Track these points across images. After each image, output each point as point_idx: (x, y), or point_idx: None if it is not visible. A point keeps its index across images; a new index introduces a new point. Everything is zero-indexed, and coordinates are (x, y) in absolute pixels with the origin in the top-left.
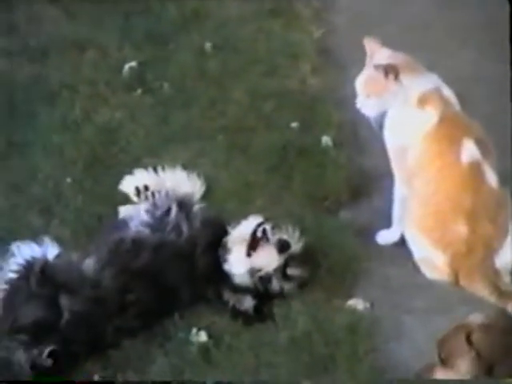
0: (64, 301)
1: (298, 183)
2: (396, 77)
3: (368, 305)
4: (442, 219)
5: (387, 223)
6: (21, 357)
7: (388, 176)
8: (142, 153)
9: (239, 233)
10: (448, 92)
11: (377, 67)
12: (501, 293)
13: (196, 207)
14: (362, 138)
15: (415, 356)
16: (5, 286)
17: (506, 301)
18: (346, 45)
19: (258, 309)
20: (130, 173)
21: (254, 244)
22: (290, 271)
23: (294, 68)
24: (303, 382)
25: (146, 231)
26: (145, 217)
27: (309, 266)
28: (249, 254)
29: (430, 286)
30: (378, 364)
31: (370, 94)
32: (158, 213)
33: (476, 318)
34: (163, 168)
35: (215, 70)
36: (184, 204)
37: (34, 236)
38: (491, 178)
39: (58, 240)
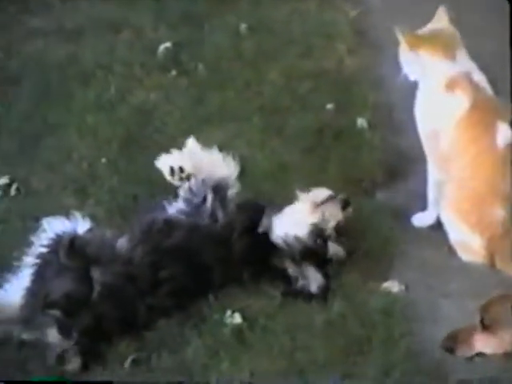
0: (95, 274)
1: (333, 165)
2: (412, 47)
3: (403, 287)
4: (478, 203)
5: (423, 205)
6: (53, 339)
7: (423, 158)
8: (176, 133)
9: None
10: (479, 76)
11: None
12: None
13: (231, 191)
14: (397, 119)
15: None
16: (36, 261)
17: None
18: (381, 25)
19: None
20: (167, 153)
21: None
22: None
23: (329, 49)
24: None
25: (182, 217)
26: (182, 205)
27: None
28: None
29: (465, 268)
30: (414, 347)
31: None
32: (195, 201)
33: None
34: (200, 148)
35: (250, 51)
36: (220, 189)
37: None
38: None
39: (93, 220)
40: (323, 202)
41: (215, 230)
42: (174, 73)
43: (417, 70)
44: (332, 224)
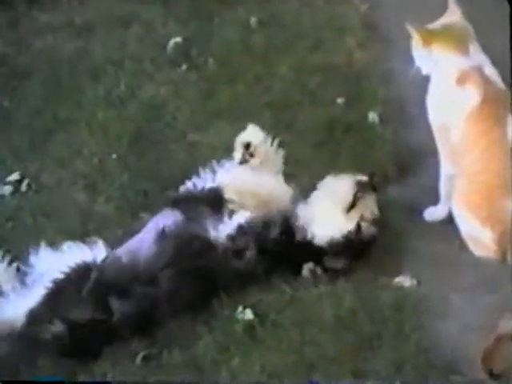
0: (114, 304)
1: (344, 159)
2: (425, 43)
3: (415, 282)
4: (489, 196)
5: (434, 200)
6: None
7: (435, 152)
8: (187, 129)
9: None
10: (491, 70)
11: (416, 28)
12: None
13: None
14: (409, 113)
15: (462, 334)
16: (49, 285)
17: None
18: (391, 19)
19: None
20: (177, 148)
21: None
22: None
23: (339, 42)
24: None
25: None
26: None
27: None
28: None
29: (477, 263)
30: (425, 342)
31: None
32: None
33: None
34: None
35: (260, 46)
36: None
37: (80, 212)
38: None
39: (103, 216)
40: (356, 201)
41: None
42: (184, 67)
43: (429, 65)
44: (369, 216)
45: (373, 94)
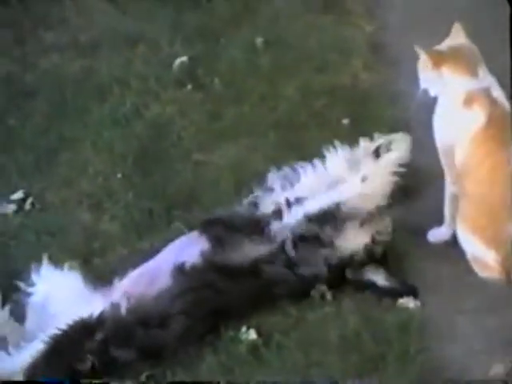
0: (115, 353)
1: None
2: (435, 66)
3: (419, 304)
4: (494, 218)
5: (439, 222)
6: None
7: (439, 174)
8: (192, 148)
9: None
10: (498, 92)
11: (425, 50)
12: None
13: None
14: (414, 135)
15: (467, 356)
16: (47, 340)
17: None
18: (397, 41)
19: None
20: (182, 168)
21: None
22: None
23: (345, 64)
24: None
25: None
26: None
27: None
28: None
29: (482, 285)
30: (430, 364)
31: (420, 71)
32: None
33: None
34: None
35: (266, 66)
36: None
37: (84, 230)
38: None
39: (108, 235)
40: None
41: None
42: (189, 87)
43: (438, 86)
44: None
45: (378, 115)
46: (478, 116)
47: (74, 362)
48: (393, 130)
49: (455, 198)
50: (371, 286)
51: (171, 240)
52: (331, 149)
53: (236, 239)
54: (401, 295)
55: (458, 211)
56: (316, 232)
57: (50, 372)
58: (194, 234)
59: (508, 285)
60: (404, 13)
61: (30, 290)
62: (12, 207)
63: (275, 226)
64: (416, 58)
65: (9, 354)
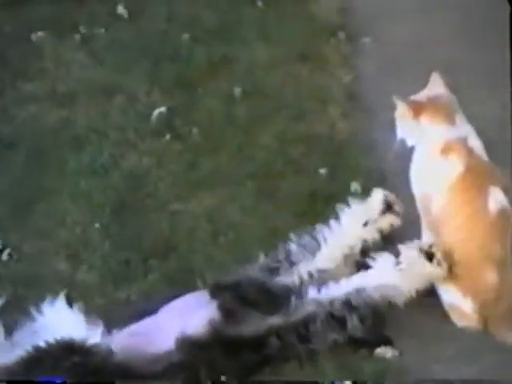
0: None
1: None
2: (415, 116)
3: (397, 353)
4: (470, 267)
5: None
6: None
7: (415, 223)
8: (169, 198)
9: None
10: (475, 142)
11: (404, 100)
12: None
13: None
14: (391, 184)
15: None
16: (29, 350)
17: None
18: (374, 90)
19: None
20: (159, 218)
21: None
22: None
23: (322, 113)
24: None
25: None
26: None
27: None
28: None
29: (459, 334)
30: None
31: (396, 120)
32: None
33: None
34: None
35: (243, 116)
36: None
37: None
38: None
39: (85, 285)
40: None
41: None
42: (167, 137)
43: (416, 136)
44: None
45: (355, 164)
46: (455, 165)
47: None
48: (368, 179)
49: None
50: (348, 338)
51: (148, 292)
52: (345, 208)
53: (248, 311)
54: (377, 345)
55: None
56: (344, 316)
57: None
58: (204, 295)
59: (485, 333)
60: (380, 62)
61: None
62: None
63: (295, 300)
64: (392, 107)
65: None
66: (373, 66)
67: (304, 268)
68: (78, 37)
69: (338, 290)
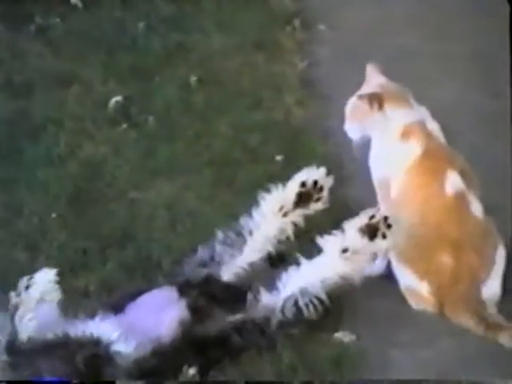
0: None
1: None
2: (380, 107)
3: (354, 337)
4: (427, 250)
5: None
6: None
7: (372, 208)
8: (127, 187)
9: None
10: (432, 125)
11: (361, 97)
12: (488, 324)
13: None
14: (347, 170)
15: None
16: None
17: (493, 332)
18: (330, 76)
19: None
20: (117, 207)
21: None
22: None
23: (278, 100)
24: None
25: None
26: None
27: None
28: None
29: (416, 317)
30: None
31: (353, 120)
32: None
33: None
34: None
35: (200, 104)
36: None
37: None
38: (476, 208)
39: None
40: None
41: None
42: (124, 126)
43: (381, 127)
44: None
45: (311, 150)
46: (414, 148)
47: None
48: (325, 165)
49: None
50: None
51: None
52: (265, 195)
53: (214, 309)
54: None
55: (392, 243)
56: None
57: None
58: (172, 293)
59: (441, 317)
60: (336, 49)
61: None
62: None
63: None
64: (347, 92)
65: None
66: (328, 53)
67: (236, 265)
68: (33, 27)
69: (290, 283)
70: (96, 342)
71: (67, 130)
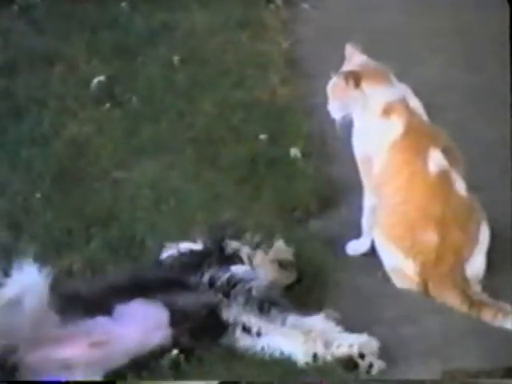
0: None
1: (267, 194)
2: (357, 84)
3: (338, 316)
4: (411, 228)
5: (356, 234)
6: None
7: (357, 186)
8: (110, 166)
9: None
10: (414, 102)
11: (339, 74)
12: (472, 302)
13: None
14: (331, 148)
15: (385, 366)
16: None
17: (477, 310)
18: (314, 55)
19: None
20: (101, 186)
21: None
22: None
23: (262, 79)
24: None
25: None
26: None
27: None
28: None
29: (400, 295)
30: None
31: (334, 99)
32: None
33: None
34: None
35: (183, 82)
36: None
37: (4, 250)
38: (460, 185)
39: (27, 255)
40: None
41: None
42: (107, 105)
43: (360, 105)
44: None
45: (295, 129)
46: (395, 125)
47: None
48: (309, 144)
49: (374, 210)
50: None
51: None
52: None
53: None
54: None
55: (376, 221)
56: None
57: None
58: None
59: (426, 295)
60: (319, 27)
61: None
62: None
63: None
64: (332, 71)
65: None
66: (312, 32)
67: None
68: (15, 7)
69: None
70: None
71: (51, 109)
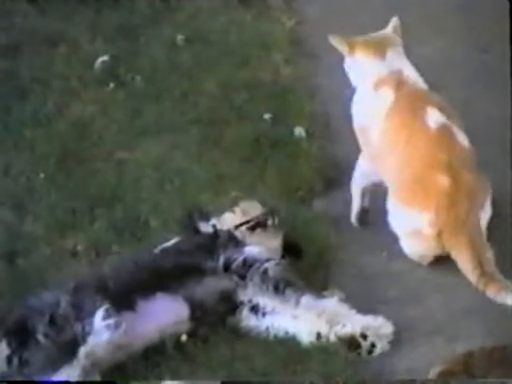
0: None
1: (271, 174)
2: (350, 51)
3: (343, 295)
4: (420, 179)
5: None
6: None
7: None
8: (114, 146)
9: None
10: (410, 72)
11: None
12: (483, 272)
13: None
14: (335, 128)
15: (390, 345)
16: None
17: (485, 282)
18: (318, 35)
19: None
20: (104, 166)
21: None
22: None
23: (266, 59)
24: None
25: None
26: None
27: None
28: None
29: (404, 274)
30: (353, 356)
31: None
32: None
33: None
34: None
35: (187, 63)
36: None
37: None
38: (462, 138)
39: (32, 235)
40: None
41: None
42: (111, 86)
43: (355, 73)
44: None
45: (299, 109)
46: (386, 95)
47: None
48: (313, 124)
49: (367, 175)
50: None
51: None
52: None
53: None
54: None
55: (386, 192)
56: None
57: None
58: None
59: (440, 247)
60: (323, 7)
61: None
62: None
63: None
64: (335, 51)
65: None
66: (316, 11)
67: None
68: None
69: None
70: None
71: (54, 90)
